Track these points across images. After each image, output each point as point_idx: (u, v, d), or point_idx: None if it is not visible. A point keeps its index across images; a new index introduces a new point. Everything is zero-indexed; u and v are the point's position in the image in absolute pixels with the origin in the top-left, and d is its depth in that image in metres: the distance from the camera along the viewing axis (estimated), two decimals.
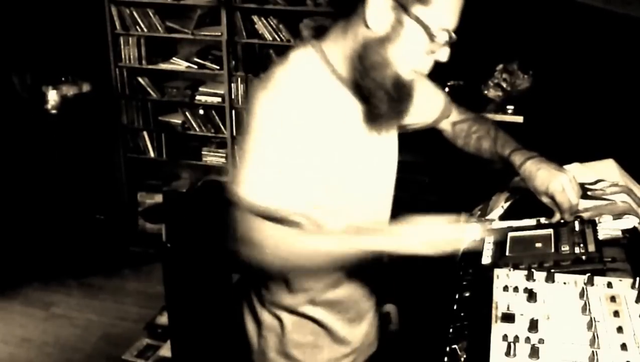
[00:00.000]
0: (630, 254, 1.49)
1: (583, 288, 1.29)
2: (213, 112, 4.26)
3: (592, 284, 1.30)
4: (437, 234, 1.30)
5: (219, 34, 4.06)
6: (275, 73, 1.36)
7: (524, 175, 1.57)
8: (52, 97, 3.98)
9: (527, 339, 1.14)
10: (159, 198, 4.37)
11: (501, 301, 1.25)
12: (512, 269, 1.36)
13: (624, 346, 1.13)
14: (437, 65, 1.37)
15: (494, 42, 3.27)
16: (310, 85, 1.36)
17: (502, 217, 1.73)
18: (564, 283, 1.32)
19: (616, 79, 2.43)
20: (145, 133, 4.45)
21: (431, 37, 1.29)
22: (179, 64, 4.25)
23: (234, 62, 4.11)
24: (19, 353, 3.42)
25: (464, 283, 1.48)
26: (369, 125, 1.43)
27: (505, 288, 1.30)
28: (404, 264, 1.35)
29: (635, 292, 1.27)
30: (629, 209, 1.61)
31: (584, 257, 1.41)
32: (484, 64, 3.33)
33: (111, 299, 3.86)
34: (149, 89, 4.33)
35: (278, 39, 3.99)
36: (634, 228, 1.57)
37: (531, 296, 1.26)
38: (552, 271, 1.34)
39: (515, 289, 1.29)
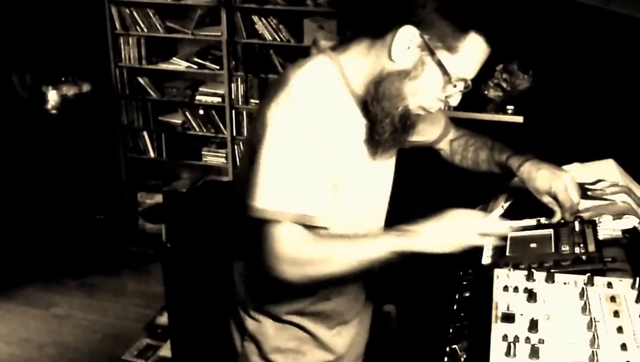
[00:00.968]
0: (630, 254, 1.49)
1: (583, 288, 1.29)
2: (213, 112, 4.26)
3: (592, 284, 1.30)
4: (467, 230, 1.33)
5: (219, 34, 4.06)
6: (289, 80, 1.34)
7: (523, 176, 1.59)
8: (52, 97, 3.98)
9: (527, 339, 1.15)
10: (159, 198, 4.37)
11: (501, 301, 1.26)
12: (512, 269, 1.36)
13: (624, 346, 1.13)
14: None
15: (494, 42, 3.26)
16: (325, 96, 1.35)
17: (502, 218, 1.73)
18: (564, 283, 1.32)
19: (616, 79, 2.42)
20: (145, 133, 4.45)
21: (449, 83, 1.32)
22: (179, 64, 4.25)
23: (234, 62, 4.11)
24: (19, 353, 3.42)
25: (464, 283, 1.48)
26: (368, 146, 1.44)
27: (505, 288, 1.30)
28: (403, 264, 1.34)
29: (635, 292, 1.27)
30: (629, 209, 1.61)
31: (584, 257, 1.41)
32: (483, 64, 3.32)
33: (111, 299, 3.85)
34: (149, 89, 4.33)
35: (278, 39, 3.98)
36: (634, 228, 1.57)
37: (531, 296, 1.26)
38: (552, 271, 1.34)
39: (515, 289, 1.30)
